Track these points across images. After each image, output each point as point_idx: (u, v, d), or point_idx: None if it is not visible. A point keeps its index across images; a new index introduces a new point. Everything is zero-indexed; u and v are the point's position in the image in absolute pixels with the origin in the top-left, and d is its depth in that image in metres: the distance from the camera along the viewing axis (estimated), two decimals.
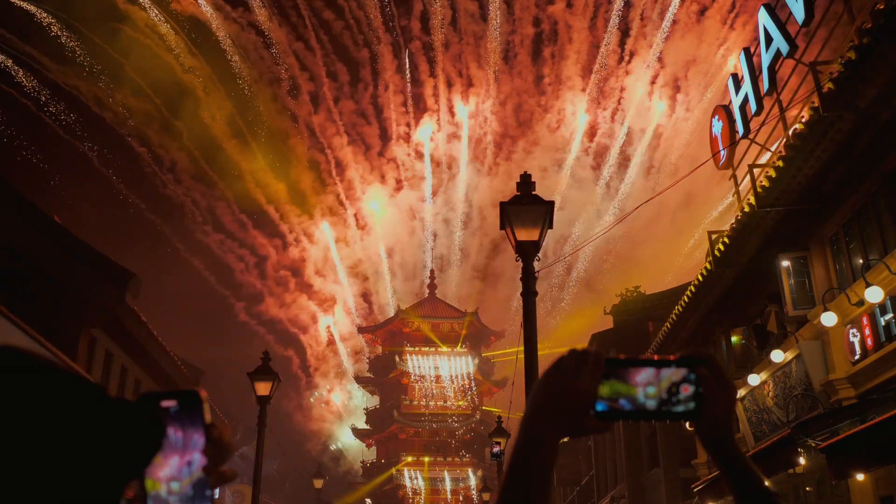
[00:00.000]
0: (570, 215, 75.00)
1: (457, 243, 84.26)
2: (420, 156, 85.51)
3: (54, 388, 0.75)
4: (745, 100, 13.04)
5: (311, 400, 78.89)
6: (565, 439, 1.06)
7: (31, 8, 65.62)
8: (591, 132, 79.64)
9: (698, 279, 14.43)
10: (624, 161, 77.30)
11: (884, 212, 10.05)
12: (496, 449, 20.66)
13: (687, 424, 1.32)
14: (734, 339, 14.44)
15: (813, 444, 9.77)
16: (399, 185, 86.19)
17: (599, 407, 1.00)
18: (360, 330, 74.76)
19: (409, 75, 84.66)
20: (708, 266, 13.71)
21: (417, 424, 65.03)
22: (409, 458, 63.74)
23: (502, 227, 7.61)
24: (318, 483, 33.23)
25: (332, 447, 76.01)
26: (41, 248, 14.32)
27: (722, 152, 14.12)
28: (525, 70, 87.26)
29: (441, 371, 66.91)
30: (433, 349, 67.36)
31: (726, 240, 12.65)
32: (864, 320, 10.22)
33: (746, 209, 11.72)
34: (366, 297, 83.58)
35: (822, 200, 10.97)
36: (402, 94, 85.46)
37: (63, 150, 73.42)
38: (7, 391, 0.73)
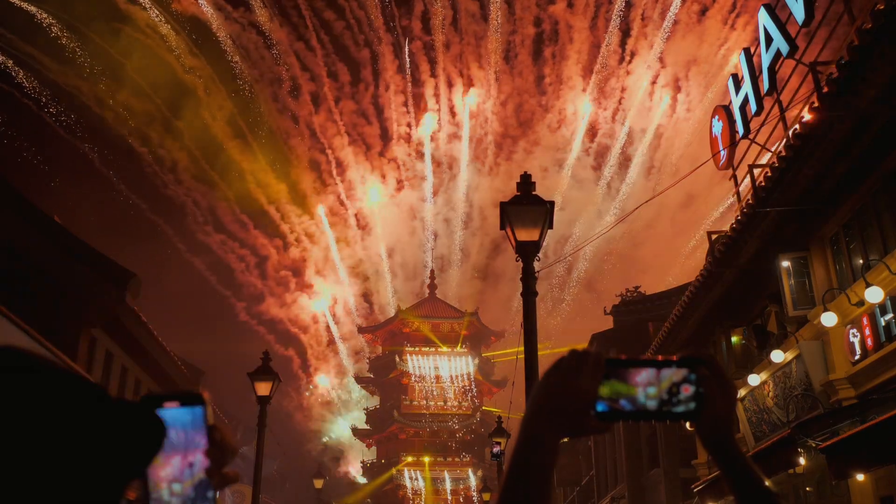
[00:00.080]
0: (571, 215, 75.11)
1: (457, 243, 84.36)
2: (421, 156, 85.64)
3: (55, 388, 0.75)
4: (746, 100, 13.04)
5: (307, 394, 78.86)
6: (565, 439, 1.06)
7: (32, 8, 65.67)
8: (592, 132, 79.73)
9: (698, 279, 14.43)
10: (625, 161, 77.39)
11: (884, 212, 10.05)
12: (496, 449, 20.67)
13: (687, 424, 1.32)
14: (734, 339, 14.44)
15: (813, 445, 9.77)
16: (400, 185, 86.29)
17: (600, 407, 1.00)
18: (361, 330, 74.79)
19: (409, 75, 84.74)
20: (708, 266, 13.71)
21: (417, 424, 65.03)
22: (410, 459, 63.74)
23: (502, 227, 7.61)
24: (319, 483, 33.26)
25: (324, 439, 75.96)
26: (41, 248, 14.32)
27: (722, 152, 14.13)
28: (526, 70, 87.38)
29: (441, 371, 66.91)
30: (433, 349, 67.36)
31: (726, 240, 12.66)
32: (865, 320, 10.22)
33: (746, 209, 11.73)
34: (366, 296, 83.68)
35: (822, 200, 10.97)
36: (402, 94, 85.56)
37: (64, 151, 73.55)
38: (7, 391, 0.73)
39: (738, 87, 13.44)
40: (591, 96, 77.94)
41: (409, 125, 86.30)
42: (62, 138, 70.03)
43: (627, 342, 23.32)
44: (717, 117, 14.65)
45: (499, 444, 20.50)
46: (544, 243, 7.64)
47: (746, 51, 13.15)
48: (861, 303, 10.06)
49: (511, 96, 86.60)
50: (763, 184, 11.12)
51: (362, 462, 68.61)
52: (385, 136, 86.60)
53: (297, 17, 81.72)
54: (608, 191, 78.06)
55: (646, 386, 1.01)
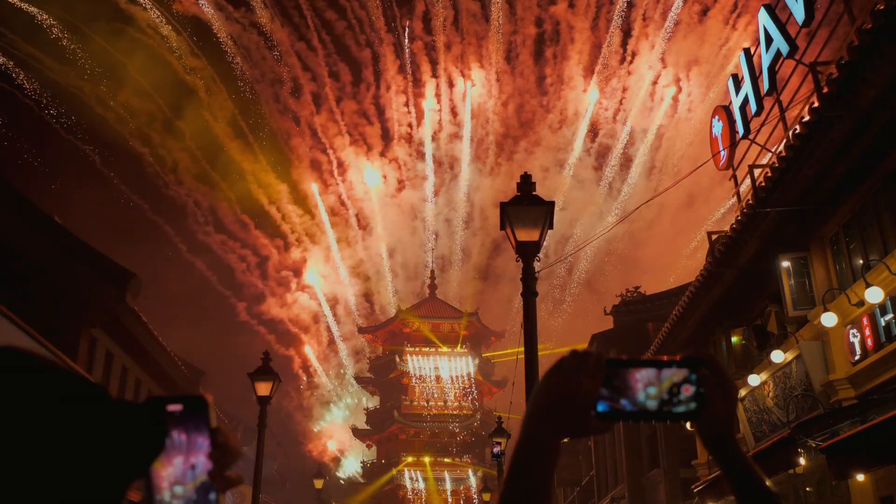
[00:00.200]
0: (572, 215, 75.15)
1: (458, 243, 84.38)
2: (422, 156, 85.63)
3: (55, 388, 0.75)
4: (746, 100, 13.04)
5: (302, 387, 78.86)
6: (566, 439, 1.06)
7: (33, 9, 65.67)
8: (594, 132, 79.78)
9: (698, 279, 14.44)
10: (626, 161, 77.41)
11: (884, 212, 10.05)
12: (496, 449, 20.68)
13: (688, 425, 1.33)
14: (734, 339, 14.44)
15: (813, 445, 9.77)
16: (401, 185, 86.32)
17: (600, 407, 1.00)
18: (361, 330, 74.79)
19: (410, 75, 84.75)
20: (708, 266, 13.72)
21: (418, 425, 65.04)
22: (410, 459, 63.74)
23: (502, 227, 7.61)
24: (319, 483, 33.28)
25: (316, 429, 75.96)
26: (41, 248, 14.33)
27: (722, 153, 14.13)
28: (527, 70, 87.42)
29: (441, 371, 66.93)
30: (433, 349, 67.38)
31: (726, 240, 12.66)
32: (865, 321, 10.22)
33: (746, 210, 11.73)
34: (367, 296, 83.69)
35: (822, 200, 10.97)
36: (404, 94, 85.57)
37: (65, 151, 73.58)
38: (8, 391, 0.73)
39: (738, 87, 13.44)
40: (593, 92, 77.88)
41: (410, 125, 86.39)
42: (63, 139, 70.09)
43: (627, 342, 23.33)
44: (717, 117, 14.65)
45: (499, 444, 20.51)
46: (545, 244, 7.64)
47: (746, 51, 13.15)
48: (861, 303, 10.06)
49: (512, 96, 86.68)
50: (763, 184, 11.12)
51: (362, 462, 68.64)
52: (386, 137, 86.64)
53: (298, 18, 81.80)
54: (609, 191, 78.15)
55: (646, 386, 1.01)
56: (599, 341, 25.50)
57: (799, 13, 10.78)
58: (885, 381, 9.84)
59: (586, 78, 78.92)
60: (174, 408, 0.82)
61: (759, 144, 13.39)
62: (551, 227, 7.59)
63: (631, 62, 76.92)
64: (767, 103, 12.54)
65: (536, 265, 7.59)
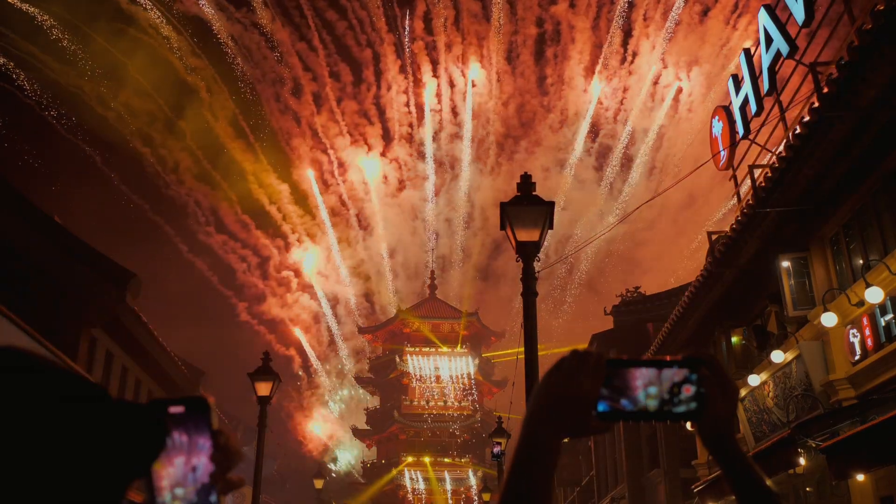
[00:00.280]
0: (573, 215, 75.17)
1: (459, 243, 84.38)
2: (422, 156, 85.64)
3: (55, 388, 0.75)
4: (746, 100, 13.04)
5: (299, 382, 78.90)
6: (566, 439, 1.06)
7: (33, 10, 65.65)
8: (594, 132, 79.79)
9: (698, 279, 14.44)
10: (627, 162, 77.43)
11: (884, 212, 10.05)
12: (497, 449, 20.67)
13: (688, 424, 1.32)
14: (734, 339, 14.44)
15: (813, 445, 9.78)
16: (402, 185, 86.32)
17: (601, 407, 1.00)
18: (361, 330, 74.79)
19: (412, 75, 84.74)
20: (708, 266, 13.72)
21: (418, 425, 65.03)
22: (410, 459, 63.73)
23: (502, 227, 7.61)
24: (319, 483, 33.28)
25: (310, 422, 75.99)
26: (41, 248, 14.33)
27: (722, 153, 14.13)
28: (528, 70, 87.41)
29: (441, 371, 66.91)
30: (433, 349, 67.37)
31: (726, 240, 12.66)
32: (865, 321, 10.22)
33: (746, 210, 11.73)
34: (368, 296, 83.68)
35: (822, 200, 10.97)
36: (405, 94, 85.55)
37: (66, 152, 73.51)
38: (8, 391, 0.73)
39: (738, 87, 13.44)
40: (596, 85, 77.81)
41: (410, 125, 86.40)
42: (64, 139, 70.09)
43: (627, 342, 23.33)
44: (717, 118, 14.65)
45: (499, 444, 20.50)
46: (545, 244, 7.64)
47: (746, 51, 13.15)
48: (861, 303, 10.06)
49: (513, 96, 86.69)
50: (763, 184, 11.12)
51: (363, 462, 68.63)
52: (387, 137, 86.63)
53: (299, 18, 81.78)
54: (610, 191, 78.17)
55: (647, 386, 1.01)
56: (599, 341, 25.51)
57: (799, 13, 10.78)
58: (885, 381, 9.84)
59: (587, 78, 78.99)
60: (176, 409, 0.82)
61: (759, 145, 13.38)
62: (551, 227, 7.59)
63: (632, 62, 77.02)
64: (767, 103, 12.54)
65: (536, 265, 7.59)
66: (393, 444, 65.38)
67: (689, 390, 1.01)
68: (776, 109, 12.22)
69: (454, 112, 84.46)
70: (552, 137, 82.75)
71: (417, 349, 67.42)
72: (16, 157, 64.84)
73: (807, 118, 9.76)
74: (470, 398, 67.19)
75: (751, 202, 11.56)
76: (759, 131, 13.22)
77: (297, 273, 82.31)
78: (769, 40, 11.74)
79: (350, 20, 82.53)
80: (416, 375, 66.92)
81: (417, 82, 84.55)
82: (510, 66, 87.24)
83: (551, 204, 7.62)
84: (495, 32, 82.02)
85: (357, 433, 69.14)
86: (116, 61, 71.90)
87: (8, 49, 64.06)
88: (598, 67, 77.28)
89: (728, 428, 1.07)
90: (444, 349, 67.18)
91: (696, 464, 17.09)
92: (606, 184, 78.17)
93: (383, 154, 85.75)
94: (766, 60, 11.92)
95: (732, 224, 12.46)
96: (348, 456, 71.98)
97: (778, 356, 12.05)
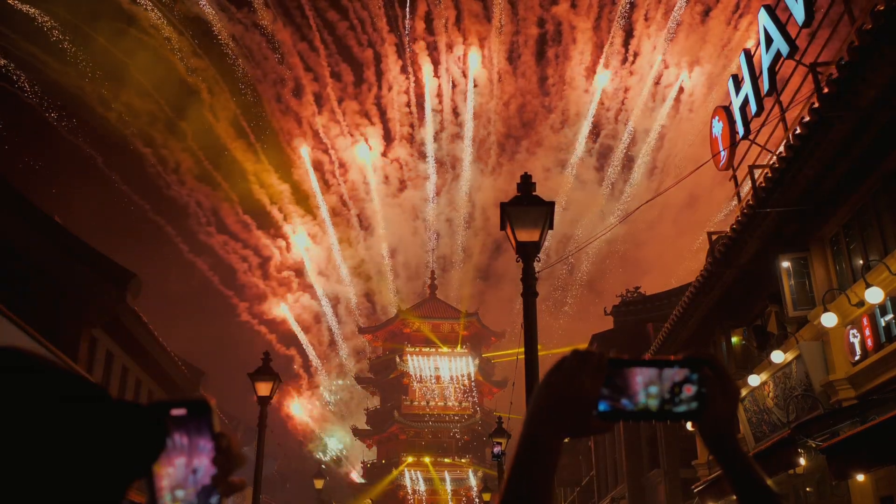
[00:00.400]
0: (574, 215, 75.18)
1: (459, 243, 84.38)
2: (423, 156, 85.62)
3: (56, 388, 0.75)
4: (746, 101, 13.04)
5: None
6: (567, 439, 1.05)
7: (34, 10, 65.62)
8: (596, 132, 79.79)
9: (698, 279, 14.44)
10: (628, 162, 77.42)
11: (884, 212, 10.05)
12: (497, 449, 20.67)
13: (689, 424, 1.32)
14: (734, 339, 14.45)
15: (813, 445, 9.78)
16: (402, 185, 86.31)
17: (602, 407, 1.00)
18: (361, 330, 74.80)
19: (413, 76, 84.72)
20: (708, 266, 13.72)
21: (418, 425, 65.04)
22: (410, 459, 63.75)
23: (503, 227, 7.61)
24: (319, 483, 33.28)
25: (307, 420, 75.99)
26: (41, 248, 14.33)
27: (722, 153, 14.13)
28: (529, 70, 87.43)
29: (441, 371, 66.93)
30: (434, 350, 67.39)
31: (727, 240, 12.66)
32: (865, 321, 10.22)
33: (747, 210, 11.73)
34: (369, 296, 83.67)
35: (822, 200, 10.97)
36: (406, 94, 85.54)
37: (66, 152, 73.54)
38: (8, 391, 0.73)
39: (738, 87, 13.44)
40: (598, 83, 77.79)
41: (411, 125, 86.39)
42: (65, 140, 70.07)
43: (627, 343, 23.35)
44: (717, 118, 14.64)
45: (499, 444, 20.50)
46: (545, 244, 7.64)
47: (747, 52, 13.15)
48: (861, 303, 10.06)
49: (514, 96, 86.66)
50: (763, 184, 11.12)
51: (363, 463, 68.64)
52: (388, 137, 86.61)
53: (300, 18, 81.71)
54: (611, 191, 78.17)
55: (648, 386, 1.01)
56: (600, 341, 25.52)
57: (799, 14, 10.78)
58: (885, 382, 9.84)
59: (588, 78, 78.97)
60: (178, 411, 0.82)
61: (759, 145, 13.38)
62: (551, 227, 7.58)
63: (633, 62, 77.01)
64: (768, 104, 12.54)
65: (537, 265, 7.59)
66: (393, 445, 65.39)
67: (689, 390, 1.01)
68: (776, 110, 12.22)
69: (455, 112, 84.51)
70: (553, 138, 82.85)
71: (418, 349, 67.44)
72: (16, 158, 64.87)
73: (807, 118, 9.75)
74: (470, 398, 67.20)
75: (751, 202, 11.56)
76: (759, 131, 13.21)
77: (300, 272, 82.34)
78: (769, 40, 11.74)
79: (351, 20, 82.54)
80: (416, 375, 66.94)
81: (418, 83, 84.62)
82: (511, 67, 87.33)
83: (551, 204, 7.61)
84: (496, 33, 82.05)
85: (357, 433, 69.16)
86: (117, 62, 71.92)
87: (9, 50, 64.06)
88: (601, 61, 77.22)
89: (729, 428, 1.07)
90: (445, 349, 67.19)
91: (697, 464, 17.09)
92: (607, 184, 78.24)
93: (384, 154, 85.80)
94: (766, 61, 11.92)
95: (732, 224, 12.46)
96: (336, 444, 71.86)
97: (778, 356, 12.05)
